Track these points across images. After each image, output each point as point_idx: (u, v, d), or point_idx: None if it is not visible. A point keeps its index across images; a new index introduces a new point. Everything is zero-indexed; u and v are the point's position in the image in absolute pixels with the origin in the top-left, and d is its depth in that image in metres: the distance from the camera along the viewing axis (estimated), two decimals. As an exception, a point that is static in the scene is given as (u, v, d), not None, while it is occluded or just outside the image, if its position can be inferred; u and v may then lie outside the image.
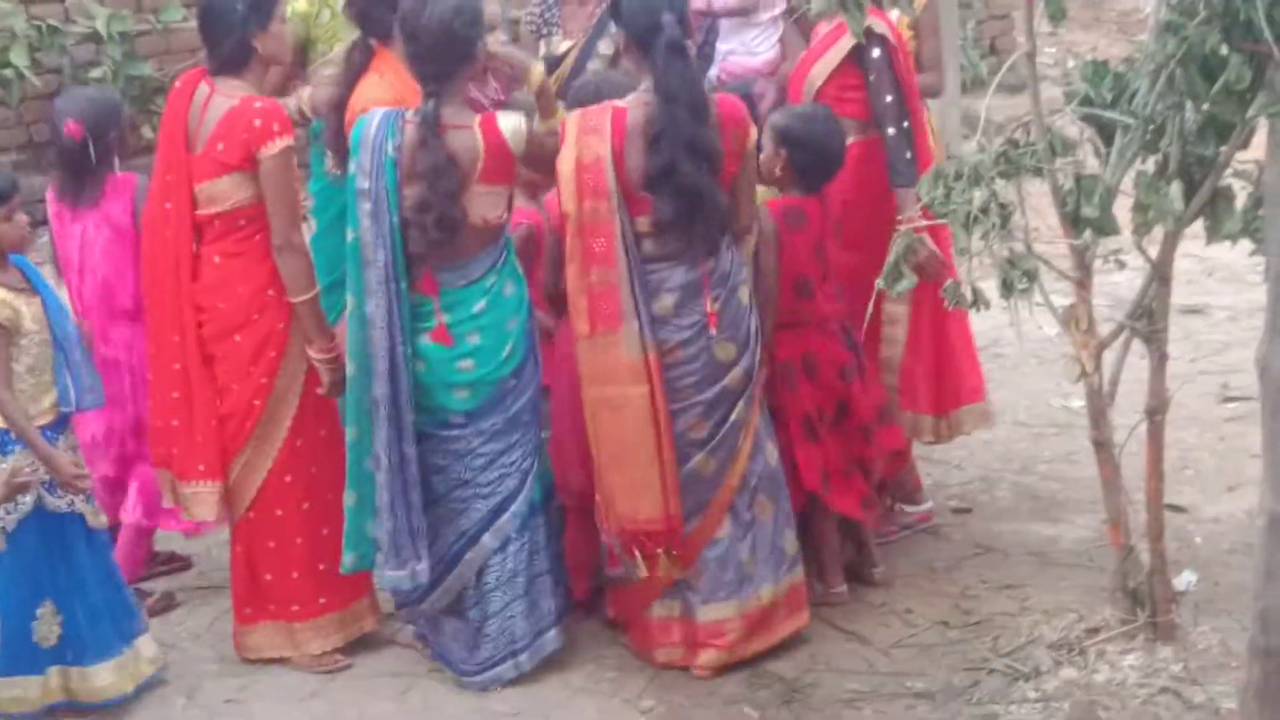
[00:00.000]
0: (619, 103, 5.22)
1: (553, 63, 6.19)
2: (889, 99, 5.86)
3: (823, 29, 6.03)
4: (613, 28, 6.03)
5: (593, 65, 6.16)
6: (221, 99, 5.38)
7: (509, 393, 5.26)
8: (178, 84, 5.56)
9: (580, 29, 6.17)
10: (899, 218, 5.73)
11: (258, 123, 5.31)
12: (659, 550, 5.29)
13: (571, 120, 5.22)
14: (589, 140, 5.13)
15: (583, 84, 5.76)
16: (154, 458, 5.68)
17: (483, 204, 5.12)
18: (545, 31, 6.20)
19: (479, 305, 5.19)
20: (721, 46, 6.59)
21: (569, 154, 5.15)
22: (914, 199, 5.59)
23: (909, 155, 5.83)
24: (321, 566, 5.58)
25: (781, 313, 5.64)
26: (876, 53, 5.87)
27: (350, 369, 5.24)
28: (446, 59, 5.08)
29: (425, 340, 5.19)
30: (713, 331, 5.20)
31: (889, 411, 6.01)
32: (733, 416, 5.29)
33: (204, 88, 5.44)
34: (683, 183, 5.10)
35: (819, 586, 5.81)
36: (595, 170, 5.11)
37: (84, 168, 5.92)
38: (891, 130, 5.86)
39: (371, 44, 5.71)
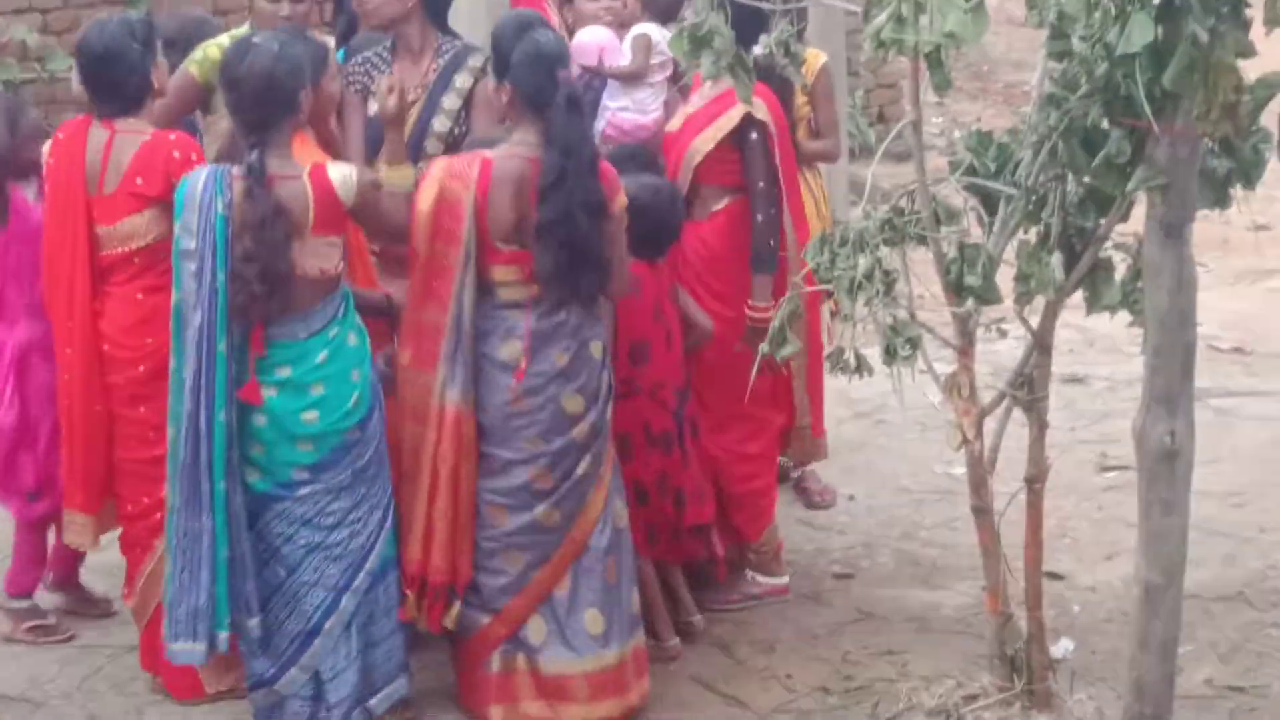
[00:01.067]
0: (486, 153, 5.22)
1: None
2: (760, 184, 5.99)
3: (703, 90, 6.07)
4: (457, 82, 6.01)
5: (439, 121, 6.04)
6: (129, 137, 5.38)
7: (354, 444, 5.17)
8: (60, 135, 5.51)
9: (417, 85, 6.04)
10: (750, 303, 5.97)
11: (176, 154, 5.33)
12: (408, 592, 5.27)
13: (438, 164, 5.23)
14: (452, 185, 5.14)
15: (473, 143, 5.69)
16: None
17: (319, 255, 5.07)
18: (373, 90, 6.07)
19: (321, 355, 5.11)
20: (610, 103, 6.59)
21: (429, 193, 5.15)
22: (767, 286, 5.93)
23: (772, 243, 5.98)
24: None
25: (616, 382, 5.61)
26: (754, 136, 5.97)
27: (170, 433, 5.13)
28: (267, 108, 5.03)
29: (302, 391, 5.10)
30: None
31: (702, 489, 5.97)
32: (579, 470, 5.28)
33: (99, 131, 5.42)
34: (574, 236, 5.12)
35: (651, 644, 5.74)
36: (454, 216, 5.12)
37: None
38: (760, 216, 5.99)
39: None
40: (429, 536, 5.24)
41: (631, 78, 6.51)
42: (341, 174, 5.10)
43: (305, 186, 5.03)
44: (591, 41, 6.47)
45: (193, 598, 5.08)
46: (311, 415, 5.10)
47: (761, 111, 5.92)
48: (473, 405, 5.20)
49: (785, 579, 6.35)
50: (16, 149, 5.93)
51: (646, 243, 5.67)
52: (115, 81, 5.43)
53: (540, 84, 5.15)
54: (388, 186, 5.28)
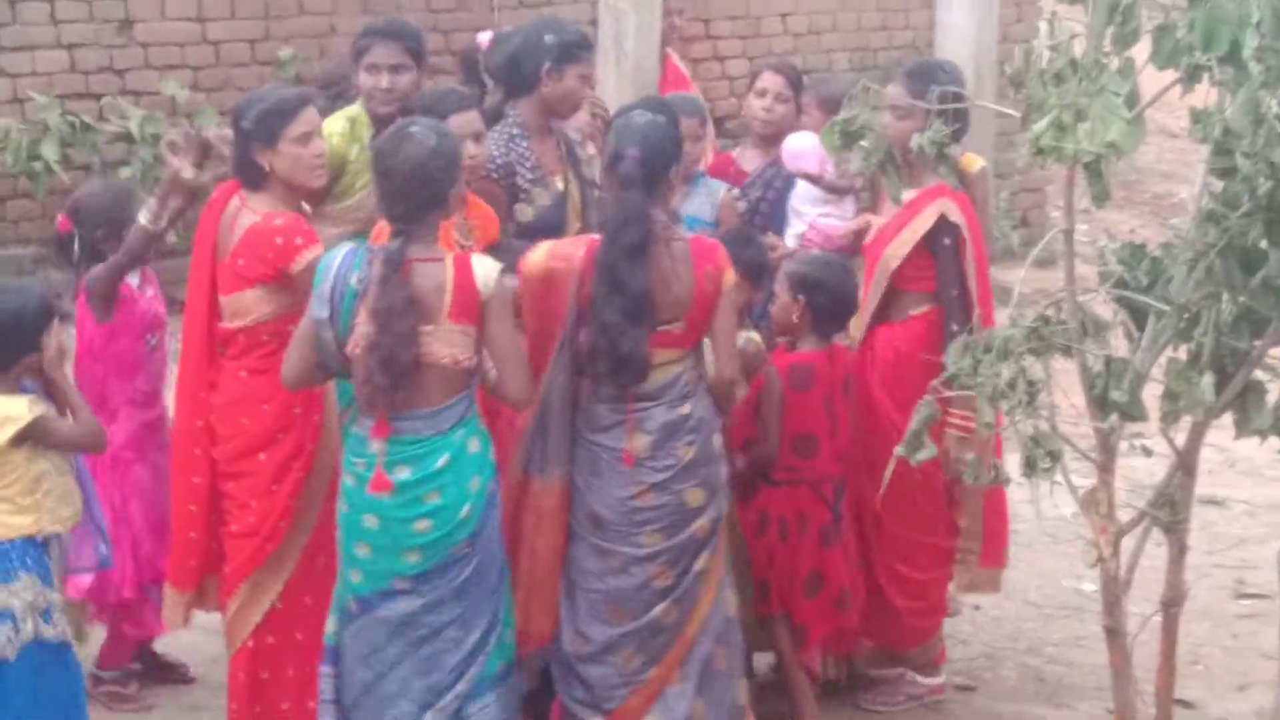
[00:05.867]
0: (594, 235, 5.23)
1: (559, 200, 6.03)
2: (954, 293, 5.91)
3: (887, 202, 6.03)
4: (581, 154, 6.12)
5: (595, 192, 6.09)
6: (248, 214, 5.32)
7: (459, 560, 4.97)
8: (215, 194, 5.48)
9: (554, 162, 6.06)
10: (950, 410, 5.68)
11: (279, 240, 5.23)
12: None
13: (542, 247, 5.21)
14: (555, 266, 5.14)
15: None
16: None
17: (452, 342, 4.92)
18: (538, 175, 6.05)
19: (441, 460, 4.94)
20: (810, 208, 6.57)
21: (534, 275, 5.16)
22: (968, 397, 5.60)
23: None
24: None
25: (778, 470, 5.66)
26: (947, 241, 5.90)
27: None
28: (417, 200, 4.94)
29: (367, 491, 4.94)
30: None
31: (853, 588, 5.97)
32: (697, 565, 5.21)
33: (236, 201, 5.39)
34: (603, 318, 5.07)
35: None
36: (560, 294, 5.12)
37: (67, 262, 6.00)
38: (954, 325, 5.84)
39: None
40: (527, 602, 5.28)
41: (843, 192, 6.52)
42: (485, 267, 4.99)
43: (446, 271, 4.94)
44: (813, 149, 6.45)
45: None
46: (424, 525, 4.93)
47: (954, 214, 5.87)
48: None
49: (942, 679, 6.27)
50: (98, 239, 5.94)
51: (825, 318, 5.74)
52: (236, 153, 5.43)
53: (612, 158, 5.17)
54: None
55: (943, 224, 5.87)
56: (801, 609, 5.81)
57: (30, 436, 5.00)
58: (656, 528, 5.15)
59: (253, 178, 5.37)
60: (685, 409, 5.17)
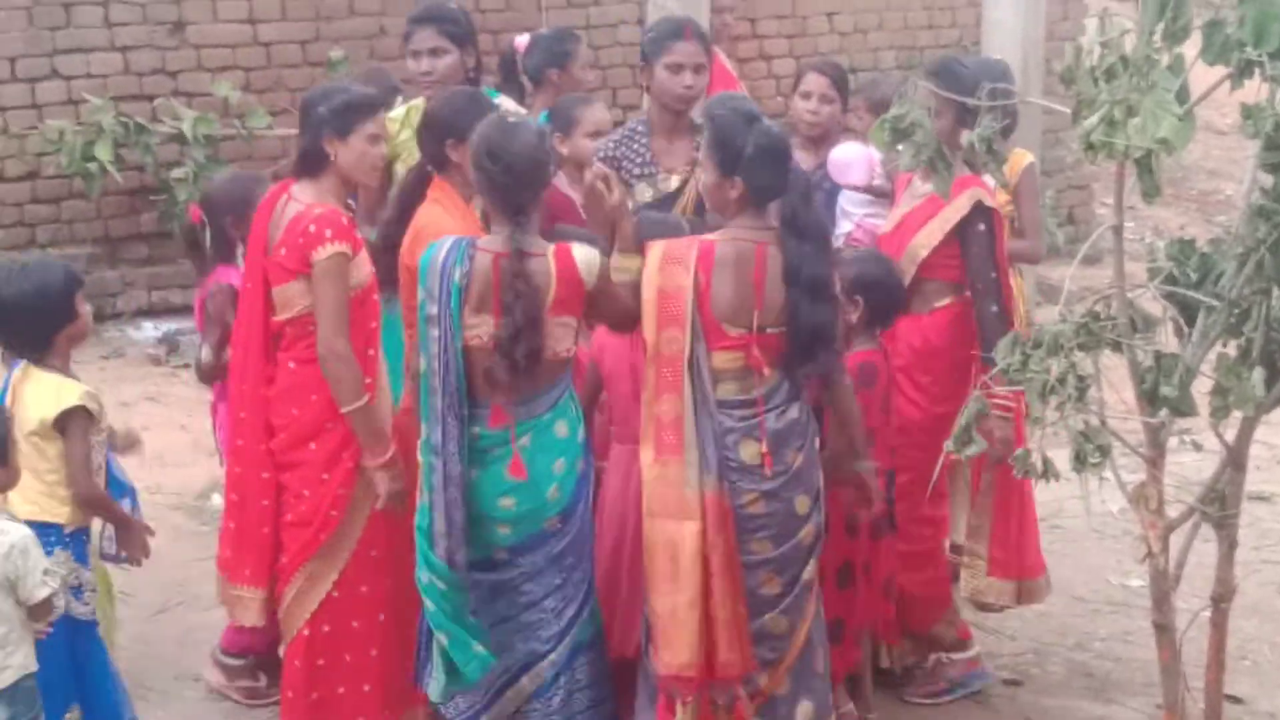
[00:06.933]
0: (706, 236, 5.18)
1: (667, 199, 6.06)
2: (993, 275, 5.89)
3: (914, 189, 6.04)
4: None
5: None
6: (293, 205, 5.38)
7: (552, 535, 5.09)
8: (268, 193, 5.57)
9: (681, 162, 6.04)
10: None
11: (312, 228, 5.28)
12: (689, 699, 5.12)
13: (656, 250, 5.14)
14: (673, 270, 5.07)
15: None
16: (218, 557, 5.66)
17: (554, 336, 5.01)
18: (649, 171, 6.07)
19: (524, 440, 5.04)
20: (856, 209, 6.61)
21: (651, 282, 5.09)
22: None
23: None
24: (393, 678, 5.47)
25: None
26: (981, 227, 5.90)
27: (424, 498, 5.10)
28: (533, 187, 5.03)
29: (501, 472, 5.02)
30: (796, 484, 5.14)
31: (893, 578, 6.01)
32: (804, 575, 5.20)
33: (285, 196, 5.46)
34: (820, 320, 5.09)
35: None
36: (676, 299, 5.06)
37: (197, 252, 6.14)
38: (994, 308, 5.87)
39: (429, 171, 5.70)
40: (710, 633, 5.08)
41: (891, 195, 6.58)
42: (585, 255, 5.05)
43: (549, 265, 5.00)
44: (860, 159, 6.48)
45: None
46: (508, 502, 5.05)
47: (988, 200, 5.88)
48: (729, 496, 5.08)
49: (974, 651, 6.28)
50: (225, 227, 6.10)
51: (880, 315, 5.78)
52: (299, 138, 5.51)
53: (774, 178, 5.10)
54: (621, 275, 5.16)
55: (978, 210, 5.88)
56: (834, 601, 5.71)
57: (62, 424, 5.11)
58: (766, 535, 5.13)
59: (313, 165, 5.41)
60: (794, 413, 5.17)
